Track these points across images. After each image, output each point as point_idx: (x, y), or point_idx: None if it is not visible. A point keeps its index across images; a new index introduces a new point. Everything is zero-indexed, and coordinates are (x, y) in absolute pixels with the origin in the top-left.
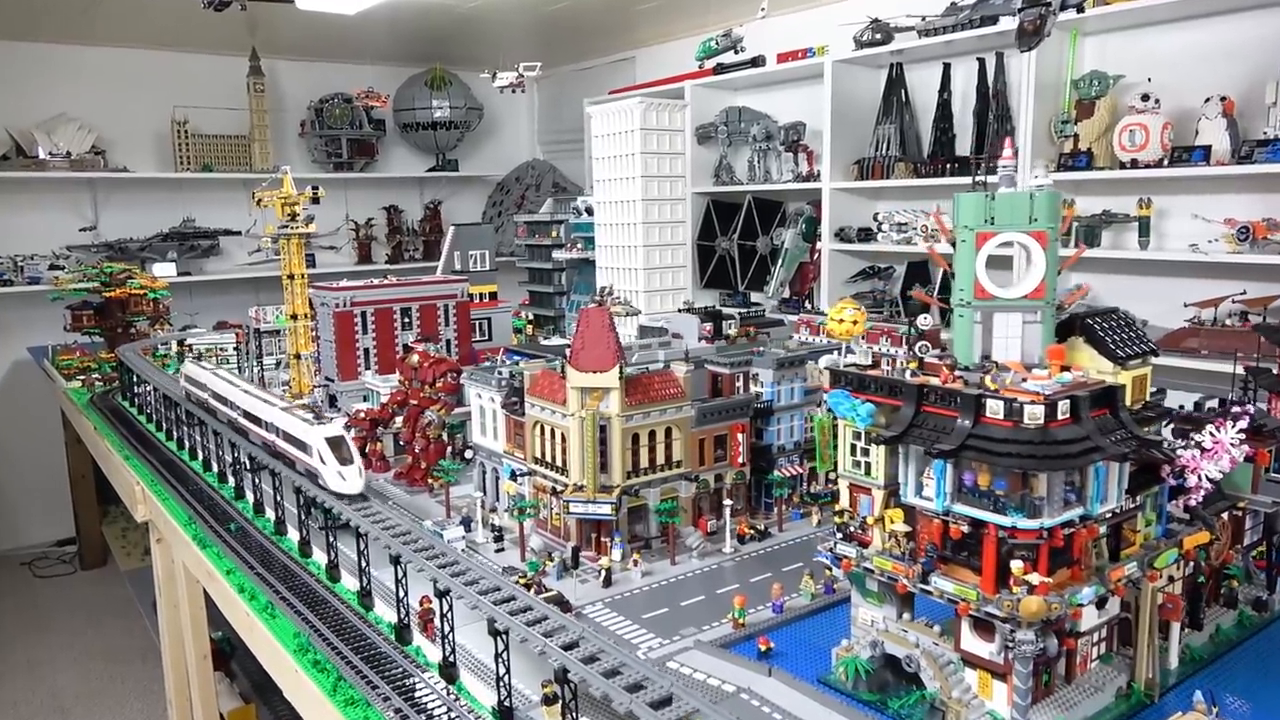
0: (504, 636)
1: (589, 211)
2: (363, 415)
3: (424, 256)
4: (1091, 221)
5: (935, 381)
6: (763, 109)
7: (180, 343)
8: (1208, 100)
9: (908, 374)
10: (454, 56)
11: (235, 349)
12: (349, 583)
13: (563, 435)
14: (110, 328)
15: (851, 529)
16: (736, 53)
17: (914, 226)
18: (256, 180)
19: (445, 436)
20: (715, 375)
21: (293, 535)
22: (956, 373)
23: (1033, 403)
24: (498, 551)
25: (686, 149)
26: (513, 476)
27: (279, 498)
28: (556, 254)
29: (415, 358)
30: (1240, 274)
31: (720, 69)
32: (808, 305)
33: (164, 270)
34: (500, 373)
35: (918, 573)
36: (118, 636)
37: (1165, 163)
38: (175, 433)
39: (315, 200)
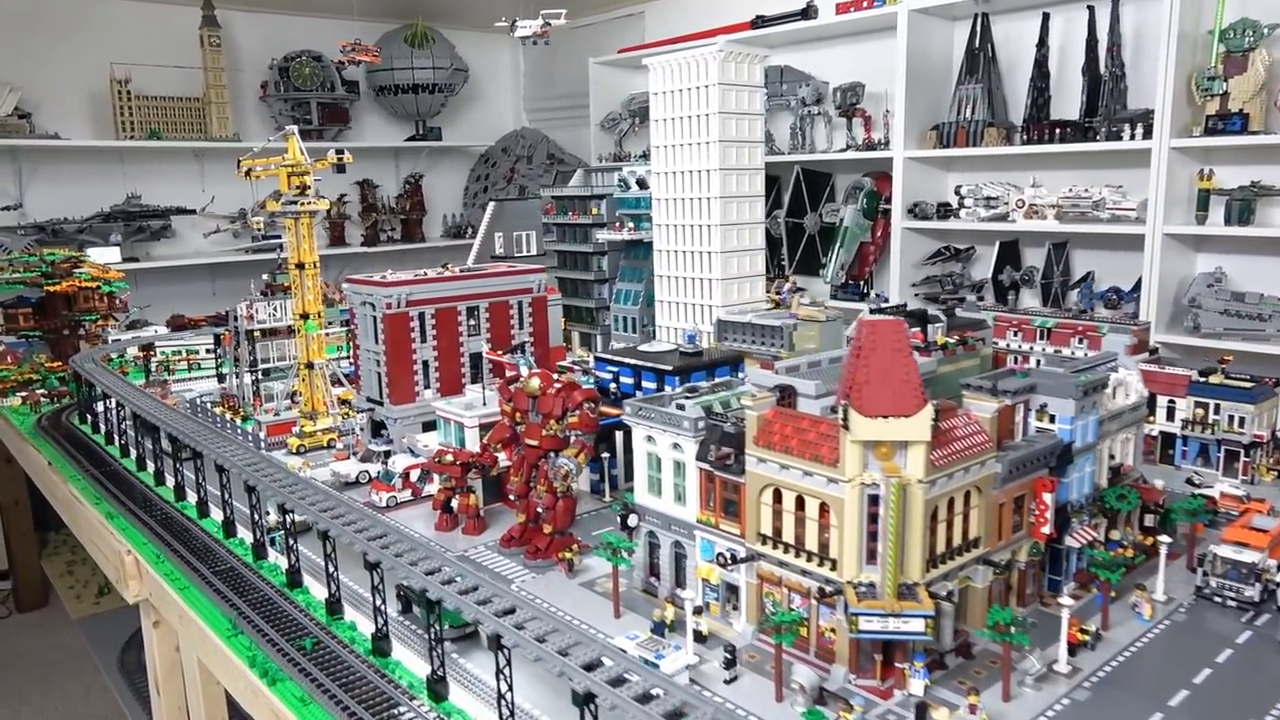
0: None
1: (641, 184)
2: (451, 457)
3: (403, 237)
4: (1243, 195)
5: None
6: (805, 69)
7: (145, 348)
8: None
9: None
10: (434, 10)
11: (215, 354)
12: None
13: (822, 507)
14: (54, 329)
15: None
16: None
17: (1005, 201)
18: (211, 150)
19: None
20: None
21: (410, 661)
22: None
23: None
24: (729, 682)
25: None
26: (723, 562)
27: (380, 600)
28: (600, 235)
29: (535, 381)
30: None
31: (759, 22)
32: (868, 291)
33: (105, 255)
34: (681, 406)
35: None
36: (73, 699)
37: None
38: (171, 475)
39: (340, 168)
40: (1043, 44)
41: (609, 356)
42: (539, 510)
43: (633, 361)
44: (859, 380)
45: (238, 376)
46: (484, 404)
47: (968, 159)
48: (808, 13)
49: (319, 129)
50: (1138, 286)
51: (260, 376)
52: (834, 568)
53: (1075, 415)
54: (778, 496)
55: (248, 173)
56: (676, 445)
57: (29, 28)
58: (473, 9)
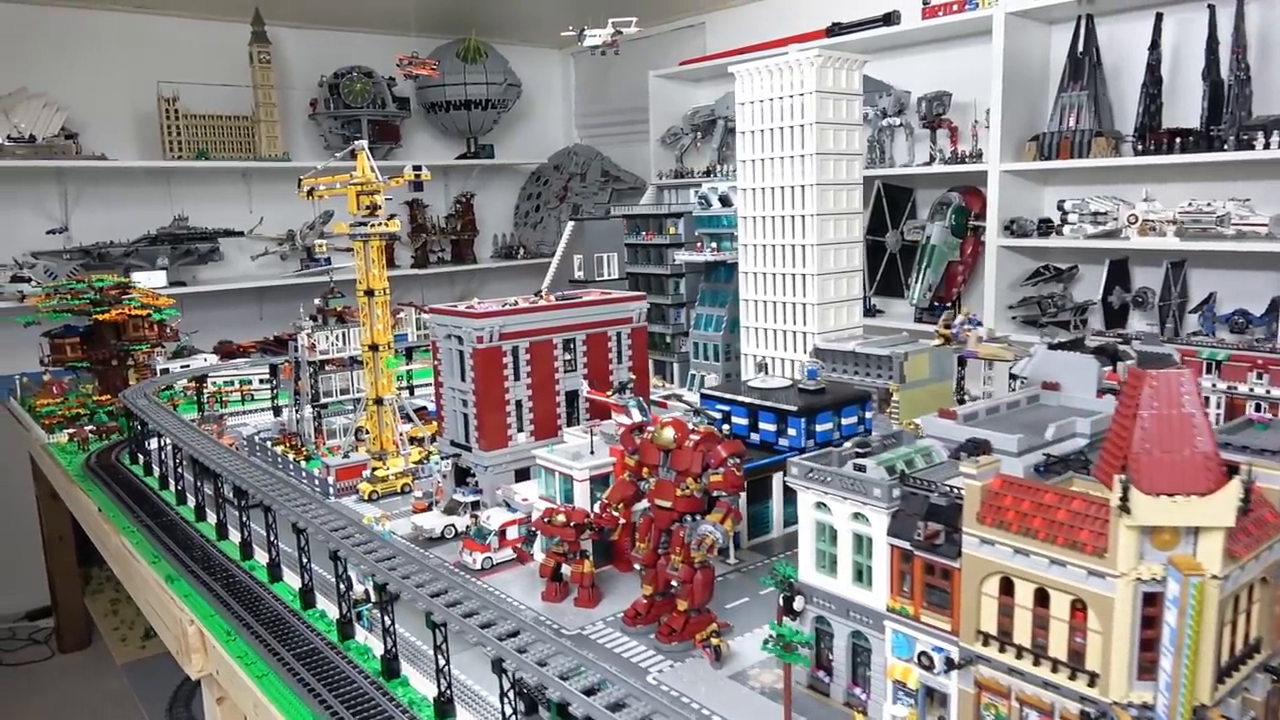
0: None
1: (724, 201)
2: (564, 518)
3: (453, 259)
4: None
5: None
6: (883, 78)
7: (198, 379)
8: None
9: None
10: (485, 24)
11: (272, 386)
12: None
13: (1077, 606)
14: (102, 359)
15: None
16: None
17: (1115, 216)
18: (258, 170)
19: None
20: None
21: None
22: None
23: None
24: None
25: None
26: (928, 664)
27: (509, 710)
28: (678, 255)
29: (670, 432)
30: None
31: (836, 29)
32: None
33: (151, 280)
34: (859, 467)
35: None
36: None
37: None
38: (236, 529)
39: (418, 185)
40: (1155, 47)
41: (717, 393)
42: (672, 584)
43: (747, 400)
44: (1135, 448)
45: (298, 411)
46: (592, 452)
47: (1067, 172)
48: (890, 19)
49: (370, 147)
50: (1272, 309)
51: (320, 411)
52: (1093, 683)
53: None
54: (1007, 587)
55: (310, 192)
56: (859, 516)
57: (76, 46)
58: (523, 23)
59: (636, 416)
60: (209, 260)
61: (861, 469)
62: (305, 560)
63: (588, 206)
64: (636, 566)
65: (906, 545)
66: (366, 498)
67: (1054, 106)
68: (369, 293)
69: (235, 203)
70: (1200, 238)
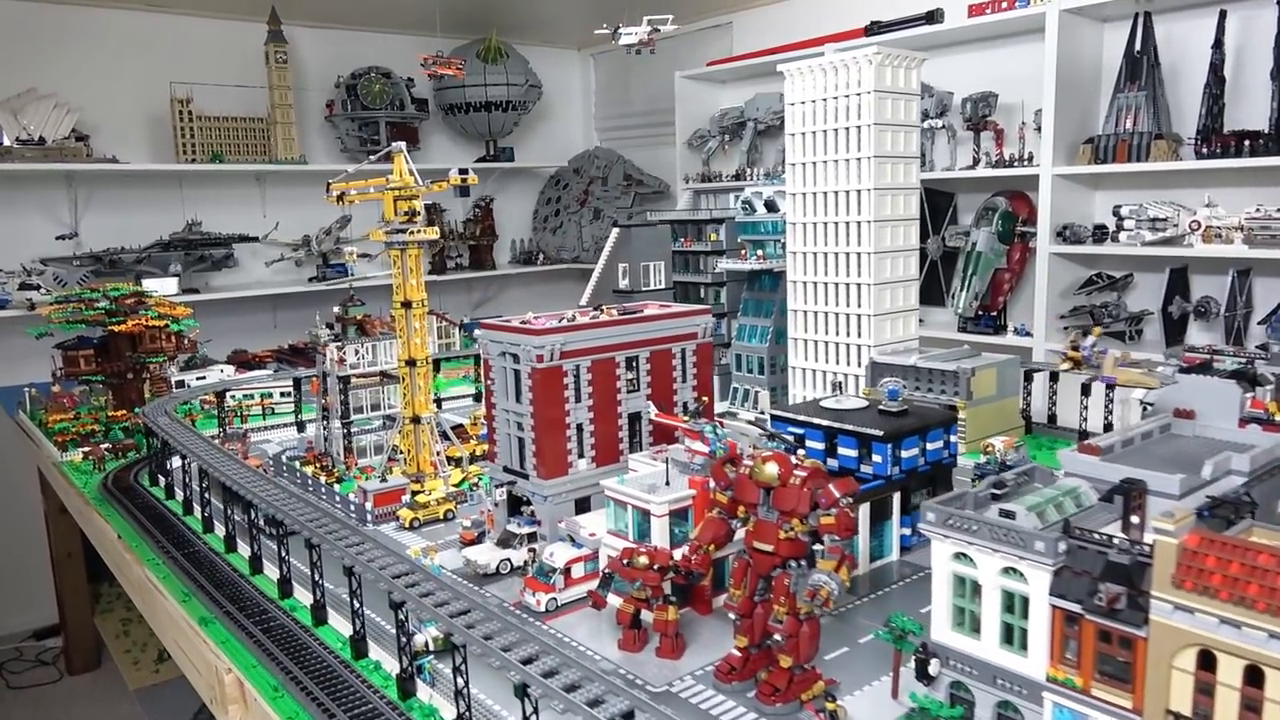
0: None
1: (769, 206)
2: (645, 559)
3: (471, 265)
4: None
5: None
6: (924, 78)
7: (219, 394)
8: None
9: None
10: (504, 25)
11: (295, 399)
12: None
13: None
14: (117, 373)
15: None
16: None
17: (1175, 222)
18: (272, 173)
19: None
20: None
21: None
22: None
23: None
24: None
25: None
26: None
27: None
28: (721, 263)
29: (773, 468)
30: None
31: (874, 28)
32: (1003, 323)
33: (163, 287)
34: (1006, 513)
35: None
36: None
37: None
38: (275, 565)
39: (464, 190)
40: (1218, 45)
41: (789, 414)
42: (776, 637)
43: (823, 422)
44: None
45: (325, 428)
46: (667, 483)
47: (1121, 176)
48: (933, 17)
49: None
50: None
51: (349, 428)
52: None
53: None
54: (1207, 662)
55: (340, 197)
56: (1012, 571)
57: (87, 46)
58: (543, 23)
59: (712, 442)
60: (223, 267)
61: (1010, 515)
62: (358, 605)
63: (609, 211)
64: (731, 616)
65: (1075, 608)
66: (408, 525)
67: (1109, 108)
68: (406, 304)
69: (249, 207)
70: (1270, 245)
